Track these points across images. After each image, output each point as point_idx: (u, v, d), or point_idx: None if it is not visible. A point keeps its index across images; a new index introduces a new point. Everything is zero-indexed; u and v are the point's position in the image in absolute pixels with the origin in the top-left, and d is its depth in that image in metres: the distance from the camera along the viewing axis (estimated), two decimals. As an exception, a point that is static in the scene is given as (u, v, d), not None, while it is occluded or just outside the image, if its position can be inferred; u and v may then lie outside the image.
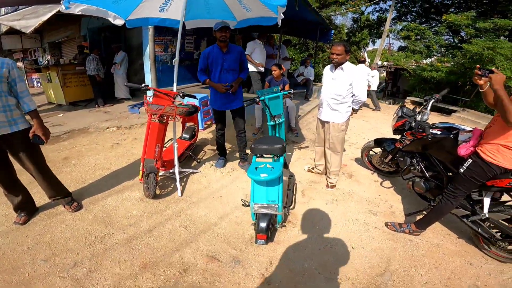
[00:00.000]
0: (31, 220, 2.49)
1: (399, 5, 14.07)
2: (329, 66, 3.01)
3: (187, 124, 3.89)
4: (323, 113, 3.05)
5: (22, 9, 5.49)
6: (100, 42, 8.05)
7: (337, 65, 2.84)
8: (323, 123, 3.13)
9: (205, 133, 4.82)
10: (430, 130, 2.38)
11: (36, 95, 9.60)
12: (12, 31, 7.89)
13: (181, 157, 3.32)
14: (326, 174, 3.32)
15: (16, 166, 2.37)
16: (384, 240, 2.44)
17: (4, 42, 9.58)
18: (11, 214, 2.52)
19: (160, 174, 3.00)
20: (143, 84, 2.75)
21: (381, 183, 3.38)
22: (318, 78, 11.14)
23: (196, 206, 2.76)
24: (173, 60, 2.76)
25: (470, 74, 8.23)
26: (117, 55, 7.11)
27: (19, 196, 2.40)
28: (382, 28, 15.24)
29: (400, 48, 15.22)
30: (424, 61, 11.49)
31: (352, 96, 2.89)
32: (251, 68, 5.47)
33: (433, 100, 2.72)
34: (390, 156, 3.14)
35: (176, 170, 2.94)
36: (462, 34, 10.84)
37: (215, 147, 4.16)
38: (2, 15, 6.33)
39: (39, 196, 2.72)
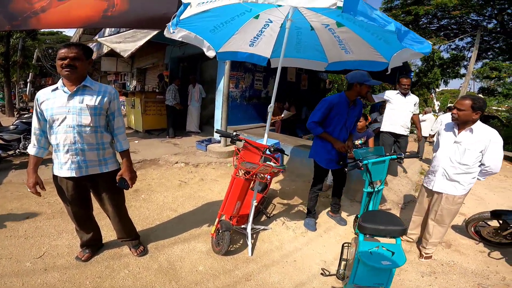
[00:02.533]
0: (94, 257, 2.37)
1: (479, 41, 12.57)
2: (449, 123, 2.50)
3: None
4: (435, 182, 2.53)
5: (123, 32, 5.86)
6: (178, 71, 8.50)
7: (461, 124, 2.34)
8: (431, 192, 2.61)
9: (272, 183, 4.41)
10: None
11: (118, 118, 10.76)
12: (110, 54, 8.86)
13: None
14: (419, 243, 2.84)
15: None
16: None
17: (103, 63, 10.57)
18: (74, 246, 2.45)
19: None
20: (234, 133, 2.59)
21: (489, 254, 2.93)
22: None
23: (267, 270, 2.41)
24: (269, 107, 2.53)
25: None
26: (193, 87, 7.28)
27: (89, 234, 2.31)
28: (457, 68, 13.84)
29: (482, 90, 13.48)
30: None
31: (479, 166, 2.34)
32: (388, 128, 4.32)
33: None
34: None
35: (249, 228, 2.65)
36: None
37: (284, 200, 3.83)
38: (105, 36, 6.97)
39: (106, 230, 2.63)
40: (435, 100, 16.67)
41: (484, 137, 2.25)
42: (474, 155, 2.28)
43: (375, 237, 2.04)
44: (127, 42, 5.47)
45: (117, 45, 5.58)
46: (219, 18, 2.49)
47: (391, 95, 4.21)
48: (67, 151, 1.90)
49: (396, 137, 4.31)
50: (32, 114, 5.42)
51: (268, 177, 3.14)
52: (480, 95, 14.34)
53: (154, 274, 2.26)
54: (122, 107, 9.70)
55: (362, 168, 2.36)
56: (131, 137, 7.09)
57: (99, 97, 1.91)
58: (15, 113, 11.07)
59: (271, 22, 2.69)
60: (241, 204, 2.55)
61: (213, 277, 2.27)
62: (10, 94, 12.59)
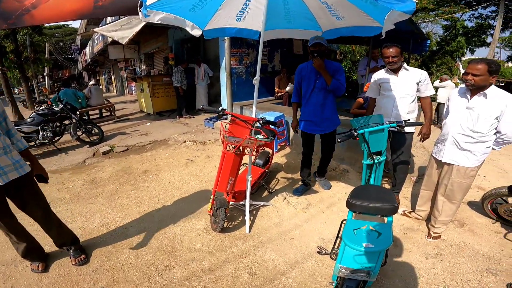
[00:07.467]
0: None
1: (504, 10, 11.40)
2: (461, 88, 2.27)
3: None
4: (445, 152, 2.31)
5: (120, 19, 5.72)
6: (183, 53, 8.48)
7: (474, 89, 2.10)
8: (441, 163, 2.40)
9: (278, 157, 4.41)
10: None
11: (132, 102, 10.88)
12: (116, 42, 8.92)
13: (252, 187, 3.00)
14: (428, 221, 2.64)
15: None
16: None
17: (110, 52, 10.70)
18: (87, 229, 2.62)
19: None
20: (220, 108, 2.57)
21: (505, 235, 2.60)
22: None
23: (263, 248, 2.41)
24: (254, 79, 2.44)
25: None
26: (199, 67, 7.35)
27: (26, 242, 2.14)
28: (483, 36, 12.95)
29: (511, 58, 12.53)
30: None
31: (495, 134, 2.12)
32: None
33: None
34: None
35: (247, 204, 2.65)
36: None
37: (289, 175, 3.77)
38: (106, 24, 6.80)
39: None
40: (461, 68, 15.63)
41: (499, 102, 2.01)
42: (488, 121, 2.05)
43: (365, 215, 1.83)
44: (124, 30, 5.35)
45: (114, 33, 5.49)
46: None
47: (378, 76, 2.89)
48: None
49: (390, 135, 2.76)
50: (48, 106, 5.54)
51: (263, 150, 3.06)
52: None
53: (155, 252, 2.36)
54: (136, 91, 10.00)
55: (358, 139, 2.17)
56: (143, 120, 7.32)
57: None
58: (35, 106, 11.56)
59: (255, -7, 2.49)
60: (235, 180, 2.53)
61: (209, 255, 2.33)
62: (28, 88, 12.99)
